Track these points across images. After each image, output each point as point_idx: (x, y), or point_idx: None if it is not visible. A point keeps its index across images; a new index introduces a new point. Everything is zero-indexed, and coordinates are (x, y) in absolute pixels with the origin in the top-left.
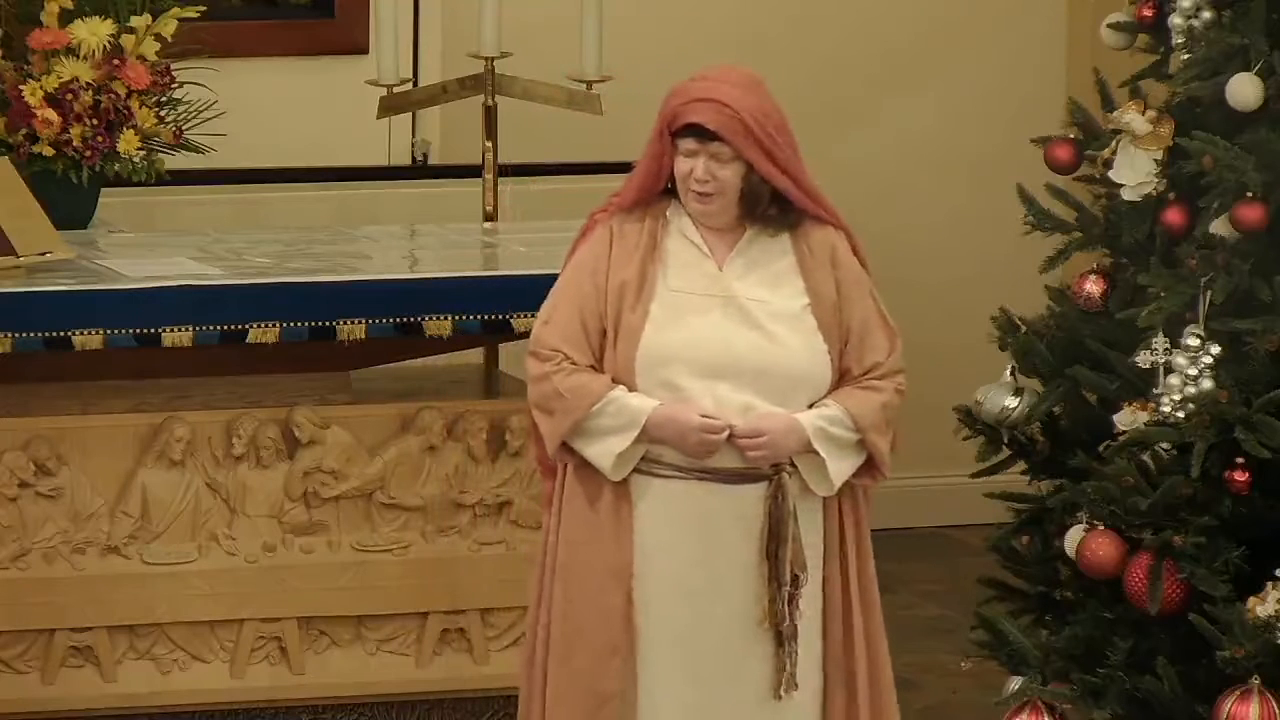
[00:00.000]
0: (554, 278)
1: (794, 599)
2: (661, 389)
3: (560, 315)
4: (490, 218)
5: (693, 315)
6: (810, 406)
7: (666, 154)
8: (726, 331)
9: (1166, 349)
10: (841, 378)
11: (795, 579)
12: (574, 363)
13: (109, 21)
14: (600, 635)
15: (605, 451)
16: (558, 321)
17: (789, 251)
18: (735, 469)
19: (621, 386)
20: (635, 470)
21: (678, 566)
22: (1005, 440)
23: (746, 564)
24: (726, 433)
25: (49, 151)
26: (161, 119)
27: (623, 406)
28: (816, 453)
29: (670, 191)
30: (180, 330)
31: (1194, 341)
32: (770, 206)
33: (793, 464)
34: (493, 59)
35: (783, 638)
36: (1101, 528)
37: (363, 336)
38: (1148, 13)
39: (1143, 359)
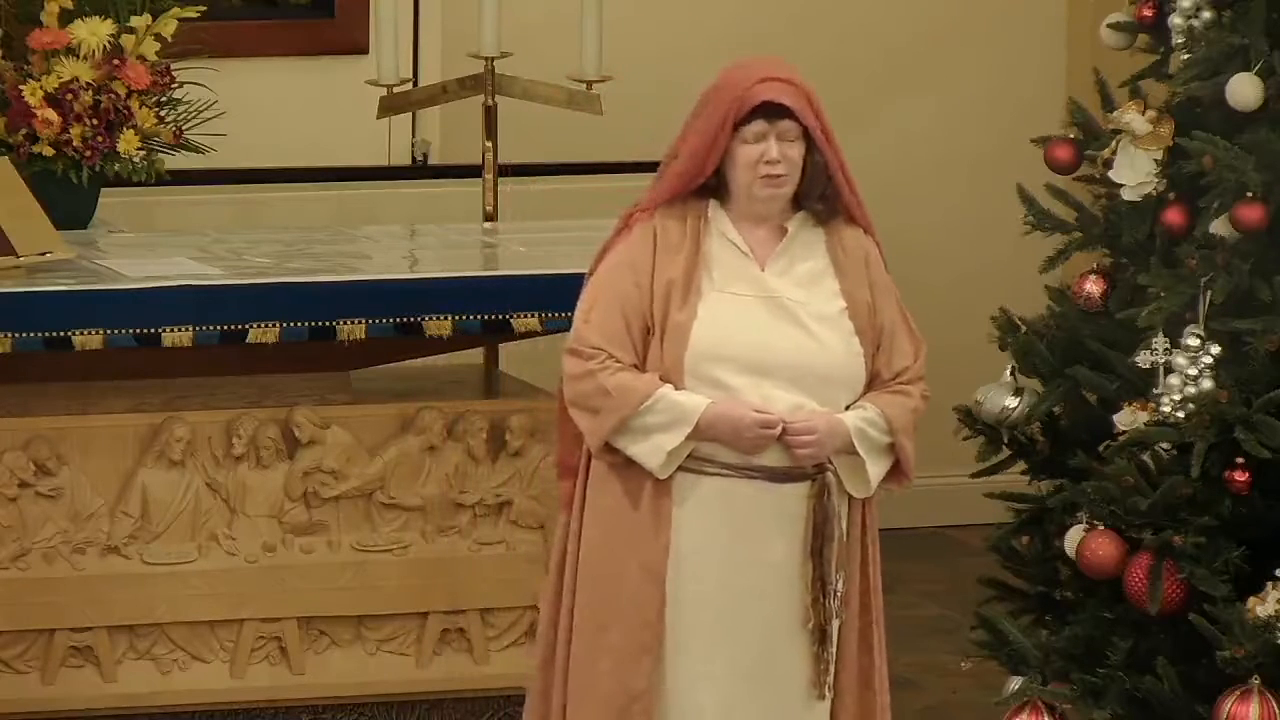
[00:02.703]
0: (554, 278)
1: (838, 597)
2: (710, 387)
3: (600, 313)
4: (490, 218)
5: (740, 315)
6: (846, 408)
7: (717, 148)
8: (773, 331)
9: (1166, 349)
10: (870, 382)
11: (839, 578)
12: (618, 361)
13: (109, 21)
14: (632, 634)
15: (655, 449)
16: (598, 320)
17: (824, 253)
18: (780, 467)
19: (669, 384)
20: (679, 468)
21: (719, 564)
22: (1005, 440)
23: (788, 563)
24: (780, 428)
25: (49, 151)
26: (161, 119)
27: (672, 404)
28: (854, 453)
29: (707, 191)
30: (180, 330)
31: (1194, 341)
32: (828, 186)
33: (830, 464)
34: (493, 59)
35: (826, 636)
36: (1101, 528)
37: (363, 336)
38: (1148, 13)
39: (1143, 359)
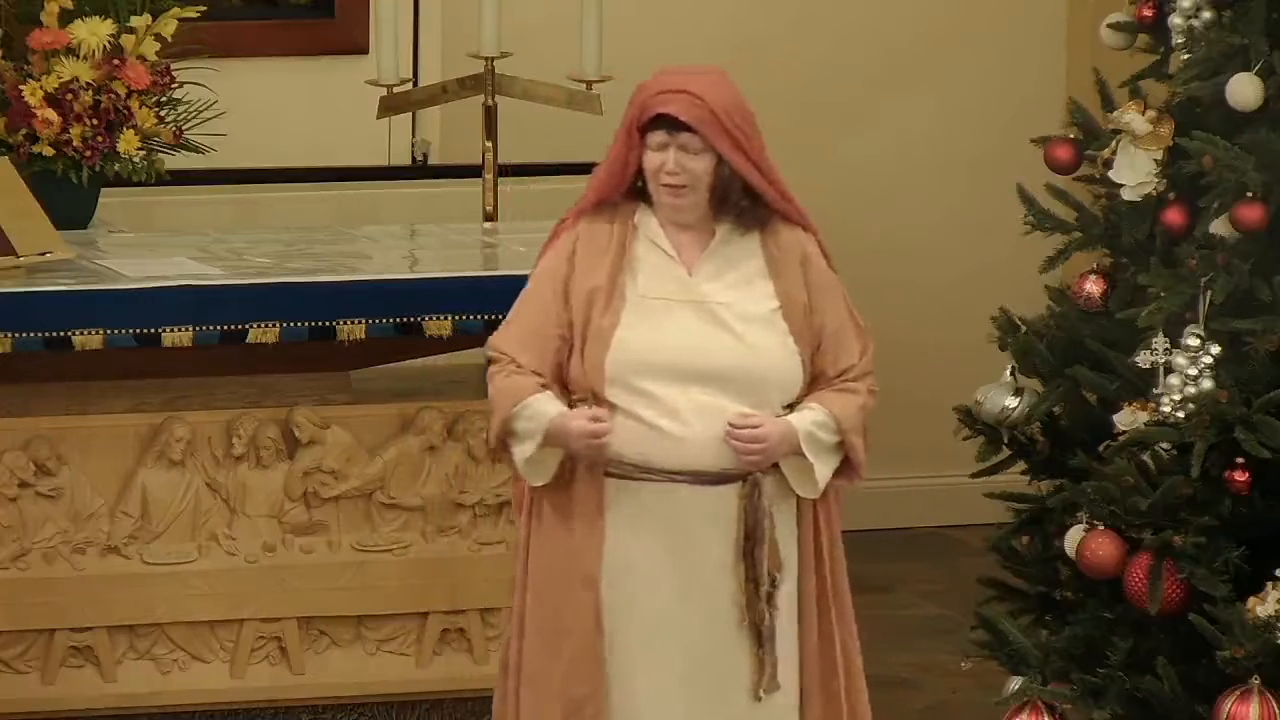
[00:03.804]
0: None
1: (771, 598)
2: (634, 394)
3: (518, 320)
4: (490, 218)
5: (664, 320)
6: (787, 408)
7: (633, 151)
8: (699, 335)
9: (1166, 349)
10: (814, 380)
11: (772, 578)
12: (519, 366)
13: (109, 21)
14: (574, 640)
15: (520, 455)
16: (514, 326)
17: (758, 253)
18: (711, 471)
19: (547, 392)
20: (609, 474)
21: (654, 569)
22: (1005, 440)
23: (723, 565)
24: (607, 433)
25: (49, 151)
26: (161, 119)
27: (535, 411)
28: (801, 455)
29: (637, 194)
30: (180, 330)
31: (1194, 341)
32: (742, 198)
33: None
34: (493, 59)
35: (762, 638)
36: (1101, 528)
37: (363, 336)
38: (1148, 13)
39: (1143, 359)
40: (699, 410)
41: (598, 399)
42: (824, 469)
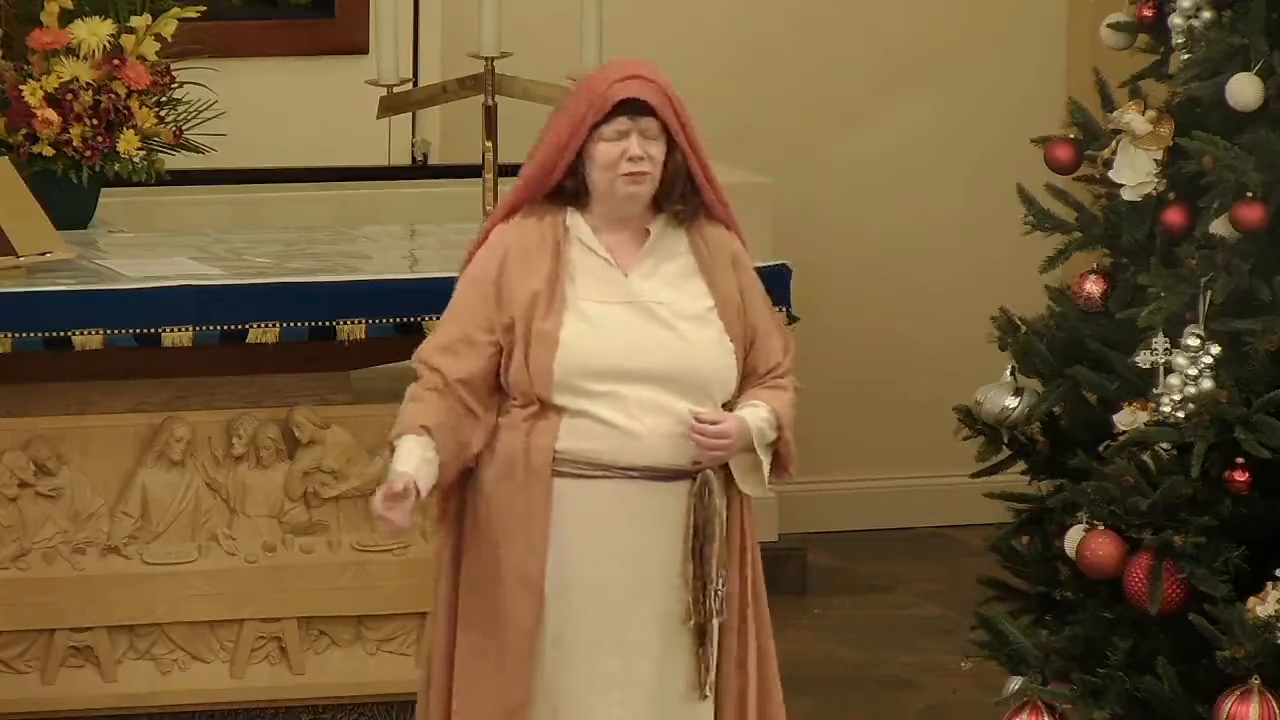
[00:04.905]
0: None
1: (718, 596)
2: (582, 396)
3: (446, 328)
4: None
5: (606, 322)
6: (726, 406)
7: (570, 149)
8: (641, 336)
9: (1166, 349)
10: (745, 378)
11: (720, 577)
12: (444, 378)
13: (109, 21)
14: (511, 643)
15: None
16: (442, 334)
17: (688, 252)
18: (661, 468)
19: (420, 439)
20: (558, 473)
21: (600, 568)
22: (1005, 440)
23: (670, 562)
24: (391, 511)
25: (49, 151)
26: (161, 119)
27: (396, 456)
28: (750, 451)
29: (567, 198)
30: (180, 330)
31: (1194, 341)
32: (686, 186)
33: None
34: (493, 59)
35: (705, 636)
36: (1101, 528)
37: (363, 336)
38: (1148, 13)
39: (1143, 359)
40: (647, 408)
41: (542, 402)
42: (767, 466)
